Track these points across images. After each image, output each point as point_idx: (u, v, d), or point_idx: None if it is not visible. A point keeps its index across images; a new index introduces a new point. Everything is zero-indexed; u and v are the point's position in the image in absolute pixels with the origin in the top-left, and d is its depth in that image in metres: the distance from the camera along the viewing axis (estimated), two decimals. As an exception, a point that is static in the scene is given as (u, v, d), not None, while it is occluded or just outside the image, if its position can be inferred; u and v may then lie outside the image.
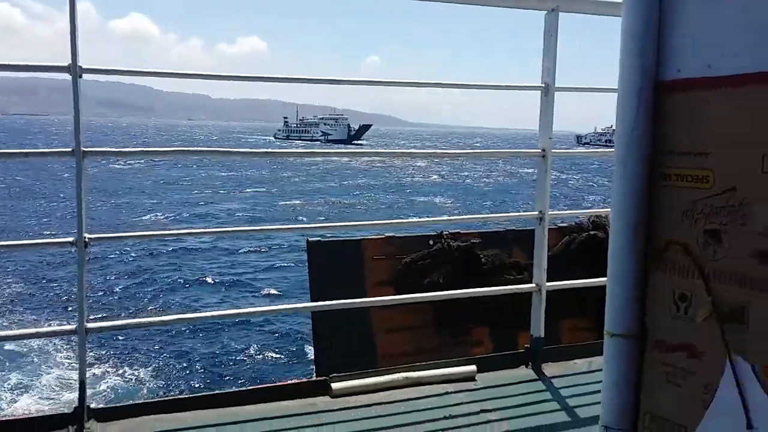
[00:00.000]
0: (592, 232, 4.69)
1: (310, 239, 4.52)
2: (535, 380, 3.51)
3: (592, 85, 4.11)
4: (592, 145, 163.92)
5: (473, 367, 3.53)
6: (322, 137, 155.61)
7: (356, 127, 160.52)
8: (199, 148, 3.22)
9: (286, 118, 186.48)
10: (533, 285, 3.66)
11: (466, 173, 71.94)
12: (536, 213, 3.64)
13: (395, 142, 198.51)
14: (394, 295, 4.50)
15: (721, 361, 1.39)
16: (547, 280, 3.67)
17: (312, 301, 4.47)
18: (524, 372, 3.61)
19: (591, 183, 61.91)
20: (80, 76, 2.68)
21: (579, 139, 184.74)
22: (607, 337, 1.59)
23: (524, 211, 4.08)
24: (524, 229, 4.64)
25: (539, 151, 3.59)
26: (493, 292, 3.80)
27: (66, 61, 2.71)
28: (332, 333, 4.44)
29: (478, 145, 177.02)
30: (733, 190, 1.41)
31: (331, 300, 3.67)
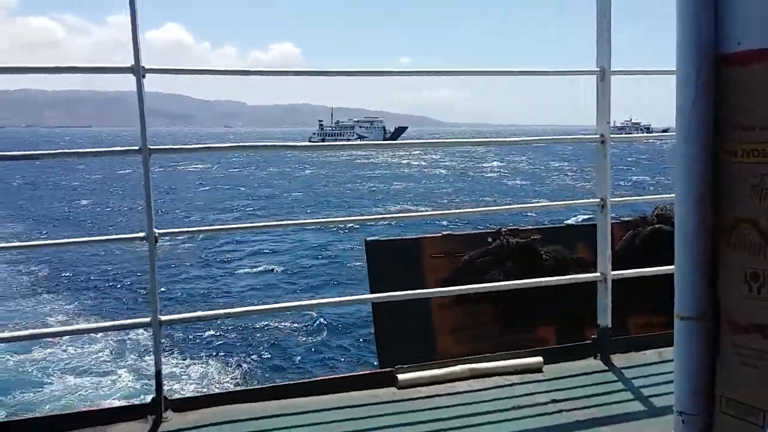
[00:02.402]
0: (657, 225, 4.56)
1: (368, 239, 4.53)
2: (604, 371, 3.46)
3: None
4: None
5: (539, 359, 3.51)
6: (358, 140, 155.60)
7: (391, 129, 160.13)
8: (256, 143, 3.31)
9: (320, 120, 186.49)
10: (598, 274, 3.58)
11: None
12: (597, 200, 3.57)
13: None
14: (454, 292, 4.54)
15: None
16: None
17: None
18: (593, 363, 3.55)
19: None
20: (143, 76, 2.76)
21: None
22: (677, 321, 1.56)
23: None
24: (587, 224, 4.56)
25: (597, 136, 3.52)
26: (556, 282, 3.73)
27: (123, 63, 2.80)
28: (394, 334, 4.44)
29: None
30: None
31: (392, 300, 3.68)
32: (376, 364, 4.51)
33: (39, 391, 14.13)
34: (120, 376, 14.78)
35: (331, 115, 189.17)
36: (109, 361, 15.63)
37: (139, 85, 2.76)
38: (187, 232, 3.41)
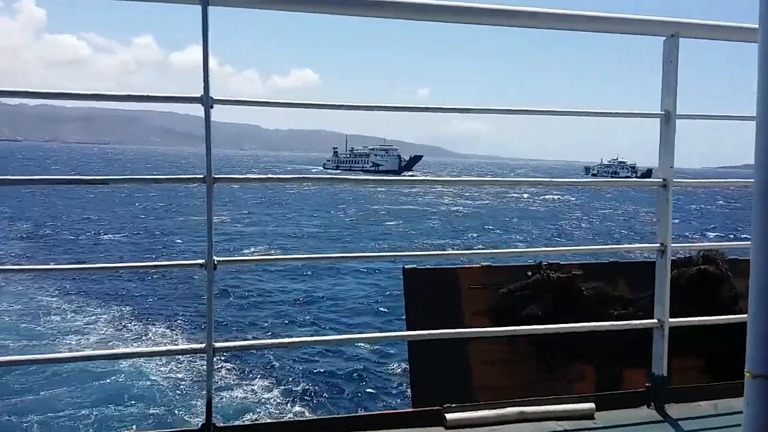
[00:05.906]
0: (702, 266, 4.43)
1: (406, 267, 4.47)
2: (659, 421, 3.29)
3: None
4: (600, 176, 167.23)
5: (591, 405, 3.35)
6: (373, 168, 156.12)
7: (406, 158, 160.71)
8: (316, 176, 3.29)
9: (335, 148, 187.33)
10: (655, 321, 3.42)
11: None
12: (657, 245, 3.42)
13: (446, 173, 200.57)
14: (491, 325, 4.39)
15: None
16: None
17: (408, 328, 4.43)
18: (646, 412, 3.38)
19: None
20: (211, 107, 2.73)
21: (587, 170, 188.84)
22: (748, 378, 1.50)
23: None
24: (630, 261, 4.46)
25: (660, 180, 3.40)
26: (609, 327, 3.56)
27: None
28: (429, 362, 4.38)
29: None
30: None
31: (428, 328, 3.61)
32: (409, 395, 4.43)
33: (88, 413, 14.24)
34: (171, 402, 14.90)
35: (346, 142, 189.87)
36: (160, 386, 15.74)
37: (207, 116, 2.75)
38: (246, 260, 3.33)
